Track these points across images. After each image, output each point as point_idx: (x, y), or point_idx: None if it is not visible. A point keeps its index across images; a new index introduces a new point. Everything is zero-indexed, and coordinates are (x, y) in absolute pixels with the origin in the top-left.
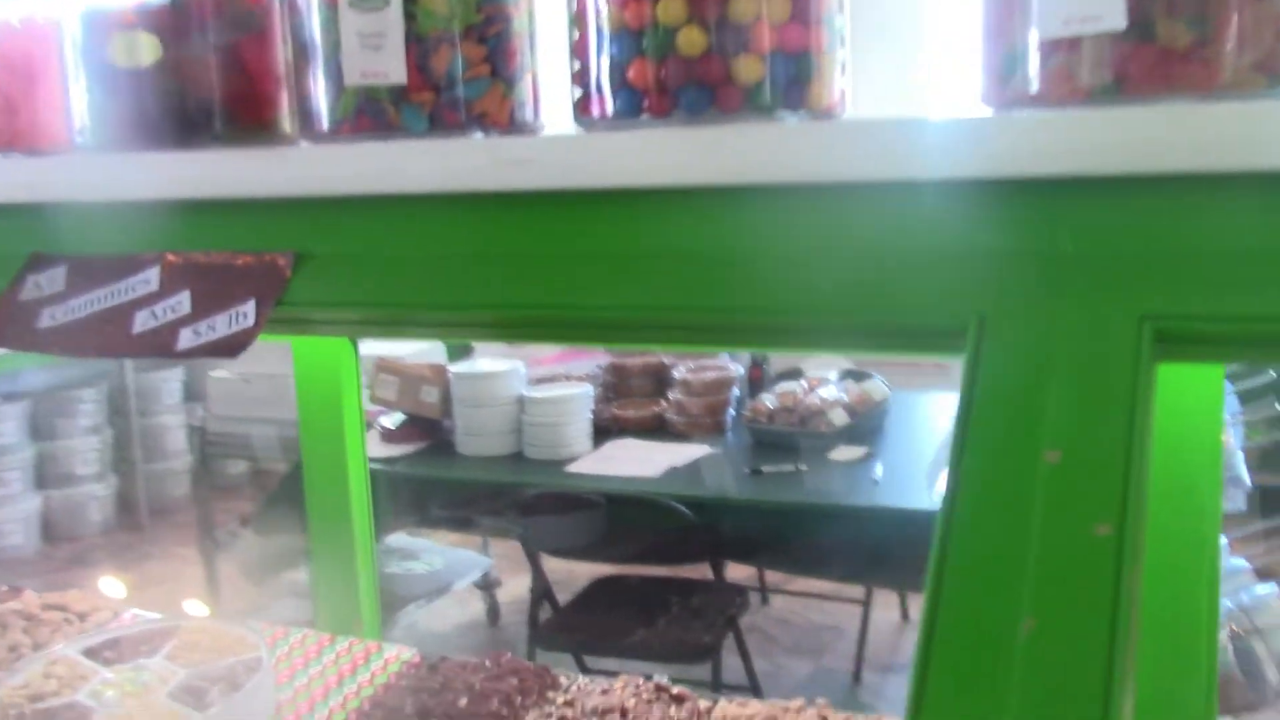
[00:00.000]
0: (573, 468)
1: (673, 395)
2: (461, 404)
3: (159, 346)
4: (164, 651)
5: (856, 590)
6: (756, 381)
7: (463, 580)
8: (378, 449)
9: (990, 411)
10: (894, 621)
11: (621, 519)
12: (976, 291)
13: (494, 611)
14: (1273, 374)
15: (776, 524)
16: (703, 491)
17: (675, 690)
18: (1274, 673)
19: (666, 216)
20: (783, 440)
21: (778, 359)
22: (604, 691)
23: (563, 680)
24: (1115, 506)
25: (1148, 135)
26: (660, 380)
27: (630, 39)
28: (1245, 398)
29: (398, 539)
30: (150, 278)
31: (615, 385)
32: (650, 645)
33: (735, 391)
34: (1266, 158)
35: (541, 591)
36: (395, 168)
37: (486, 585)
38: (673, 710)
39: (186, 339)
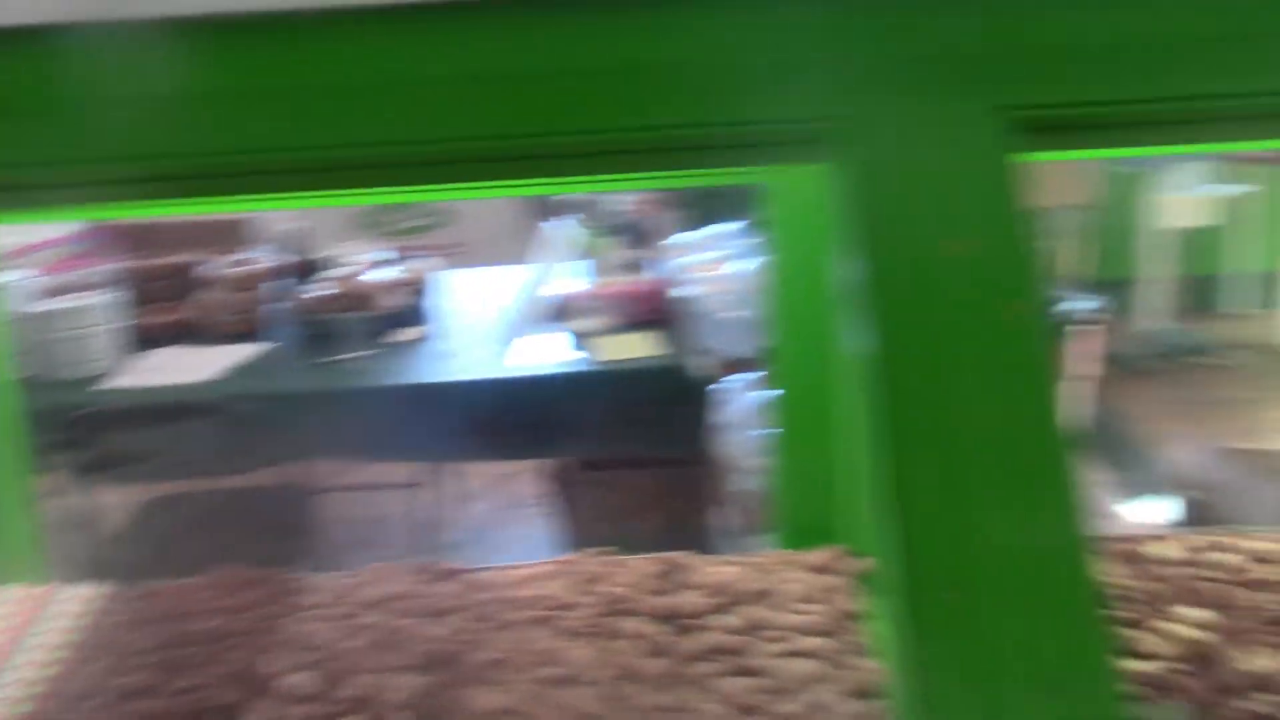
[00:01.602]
0: (109, 384)
1: (207, 294)
2: None
3: None
4: None
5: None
6: (301, 271)
7: None
8: None
9: (880, 208)
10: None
11: (177, 431)
12: (836, 97)
13: None
14: None
15: (349, 412)
16: (269, 389)
17: (443, 566)
18: None
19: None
20: (340, 328)
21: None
22: (367, 581)
23: (297, 580)
24: (1023, 281)
25: None
26: (186, 281)
27: None
28: None
29: None
30: None
31: (139, 290)
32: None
33: (278, 284)
34: None
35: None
36: None
37: None
38: (446, 586)
39: None
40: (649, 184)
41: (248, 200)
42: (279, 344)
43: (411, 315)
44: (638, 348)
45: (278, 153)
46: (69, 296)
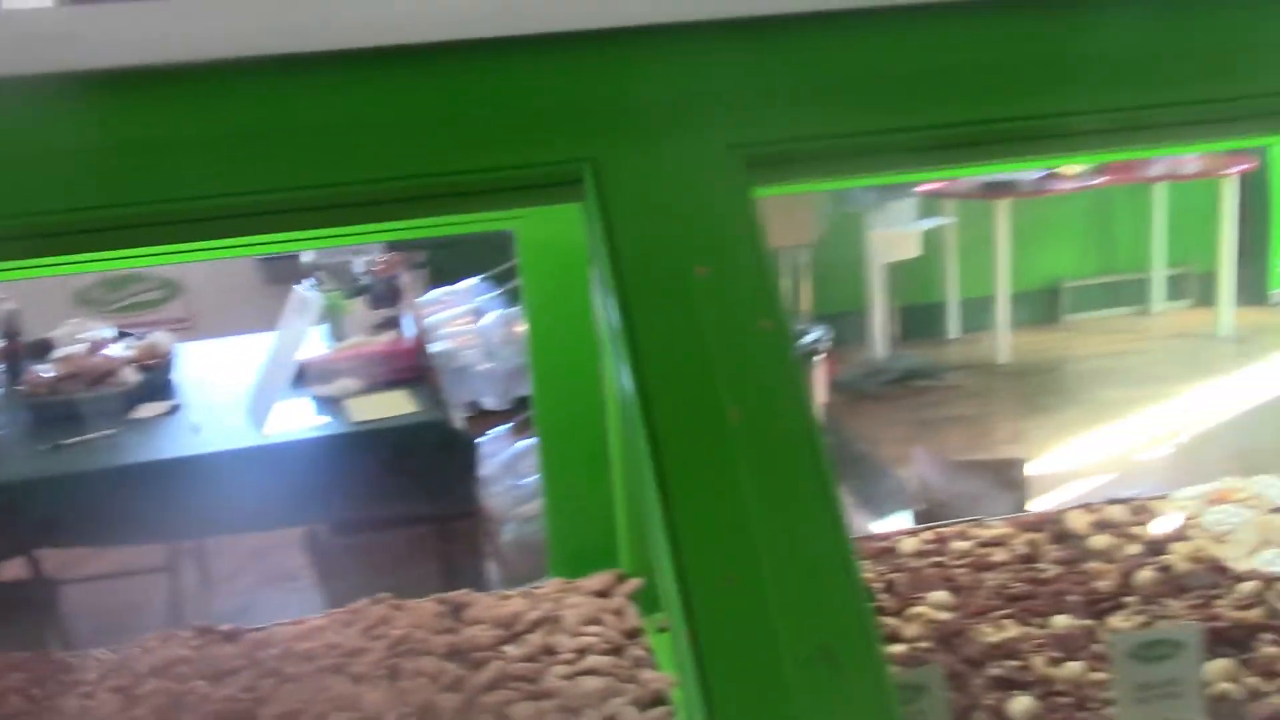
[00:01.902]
0: None
1: None
2: None
3: None
4: None
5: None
6: (20, 352)
7: None
8: None
9: (631, 243)
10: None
11: None
12: (585, 140)
13: None
14: None
15: (96, 495)
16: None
17: (224, 628)
18: None
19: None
20: (75, 408)
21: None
22: (144, 651)
23: (70, 658)
24: (768, 304)
25: None
26: None
27: None
28: None
29: None
30: None
31: None
32: None
33: None
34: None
35: None
36: None
37: None
38: (229, 648)
39: None
40: (412, 234)
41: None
42: (4, 430)
43: (154, 389)
44: (393, 406)
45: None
46: None
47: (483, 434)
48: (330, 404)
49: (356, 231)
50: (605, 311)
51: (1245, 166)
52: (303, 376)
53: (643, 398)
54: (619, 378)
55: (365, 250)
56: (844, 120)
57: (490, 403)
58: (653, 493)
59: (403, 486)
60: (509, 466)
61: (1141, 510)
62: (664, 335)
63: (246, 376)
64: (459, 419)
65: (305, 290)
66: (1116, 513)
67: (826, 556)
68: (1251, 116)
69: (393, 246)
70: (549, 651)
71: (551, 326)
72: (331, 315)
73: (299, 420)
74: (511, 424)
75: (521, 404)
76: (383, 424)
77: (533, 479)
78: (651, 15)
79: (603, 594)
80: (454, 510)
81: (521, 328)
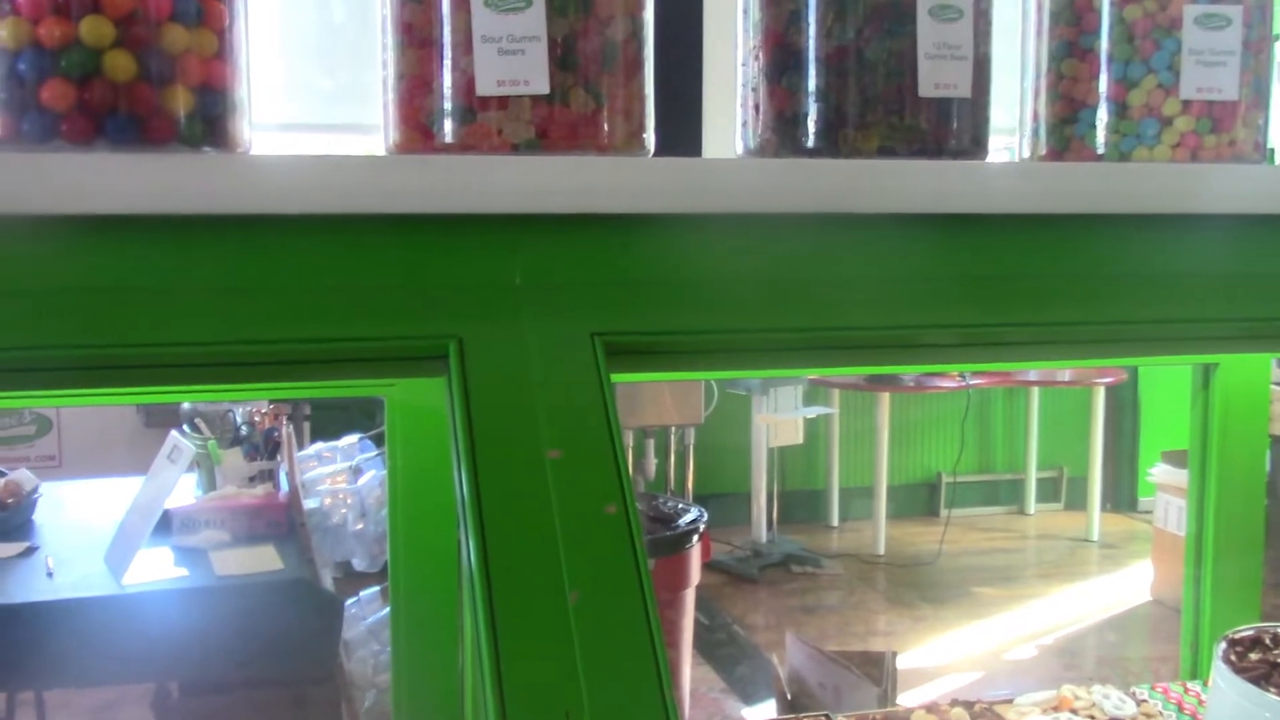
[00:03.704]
0: None
1: None
2: None
3: None
4: None
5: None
6: None
7: None
8: None
9: (489, 421)
10: None
11: None
12: (451, 318)
13: None
14: None
15: None
16: None
17: None
18: None
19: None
20: None
21: None
22: None
23: None
24: (616, 489)
25: (589, 182)
26: None
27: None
28: None
29: None
30: None
31: None
32: None
33: None
34: (683, 204)
35: None
36: None
37: None
38: None
39: None
40: (285, 393)
41: None
42: None
43: (12, 529)
44: (260, 562)
45: None
46: None
47: (351, 596)
48: (194, 555)
49: (232, 389)
50: (458, 485)
51: (1112, 379)
52: (169, 525)
53: (484, 573)
54: (465, 551)
55: (247, 401)
56: (705, 316)
57: (360, 564)
58: (487, 669)
59: (264, 646)
60: (374, 632)
61: (985, 714)
62: (512, 513)
63: (111, 521)
64: (327, 579)
65: (179, 437)
66: (958, 715)
67: None
68: (1112, 340)
69: (274, 401)
70: None
71: (413, 492)
72: (205, 464)
73: (160, 570)
74: (380, 588)
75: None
76: (247, 579)
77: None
78: (527, 205)
79: None
80: (314, 674)
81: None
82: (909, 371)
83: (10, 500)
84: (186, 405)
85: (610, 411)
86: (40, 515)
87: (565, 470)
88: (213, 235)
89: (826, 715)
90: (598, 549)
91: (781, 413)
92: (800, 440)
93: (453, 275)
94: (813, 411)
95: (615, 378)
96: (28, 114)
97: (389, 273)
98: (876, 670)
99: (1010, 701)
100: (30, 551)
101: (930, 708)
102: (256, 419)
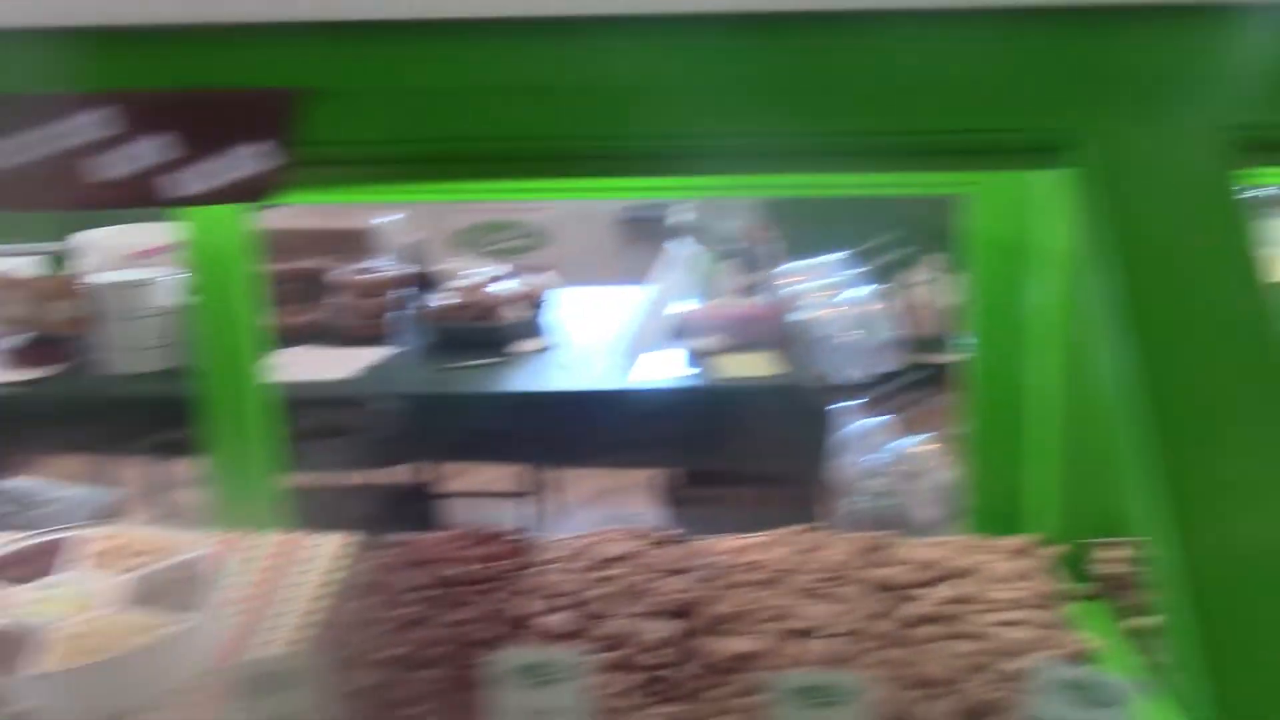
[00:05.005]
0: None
1: (334, 299)
2: (109, 317)
3: (146, 195)
4: (85, 562)
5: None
6: (421, 281)
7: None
8: (6, 373)
9: (1126, 218)
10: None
11: (314, 425)
12: (1066, 110)
13: None
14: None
15: (476, 417)
16: (398, 390)
17: (666, 532)
18: (928, 510)
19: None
20: (465, 336)
21: (435, 261)
22: (596, 541)
23: (526, 542)
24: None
25: None
26: (311, 284)
27: None
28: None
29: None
30: (92, 119)
31: (272, 292)
32: None
33: (403, 292)
34: None
35: None
36: None
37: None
38: (673, 550)
39: (182, 185)
40: (853, 191)
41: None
42: (405, 349)
43: (531, 328)
44: (757, 367)
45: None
46: None
47: (837, 404)
48: (695, 358)
49: (807, 184)
50: (1100, 282)
51: None
52: (676, 329)
53: (1146, 377)
54: (1110, 352)
55: (733, 215)
56: None
57: (846, 376)
58: (1153, 486)
59: (758, 446)
60: (858, 441)
61: None
62: (1161, 319)
63: (611, 324)
64: (817, 387)
65: (683, 247)
66: None
67: None
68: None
69: (757, 215)
70: (972, 600)
71: (990, 288)
72: (702, 274)
73: (665, 369)
74: (864, 399)
75: (878, 380)
76: (746, 383)
77: (881, 455)
78: None
79: (1019, 554)
80: (803, 477)
81: (880, 306)
82: None
83: (530, 302)
84: (678, 218)
85: (1240, 209)
86: (552, 317)
87: (1209, 267)
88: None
89: None
90: (1255, 346)
91: None
92: None
93: (1068, 65)
94: None
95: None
96: None
97: (1008, 65)
98: None
99: None
100: (548, 348)
101: None
102: (744, 233)
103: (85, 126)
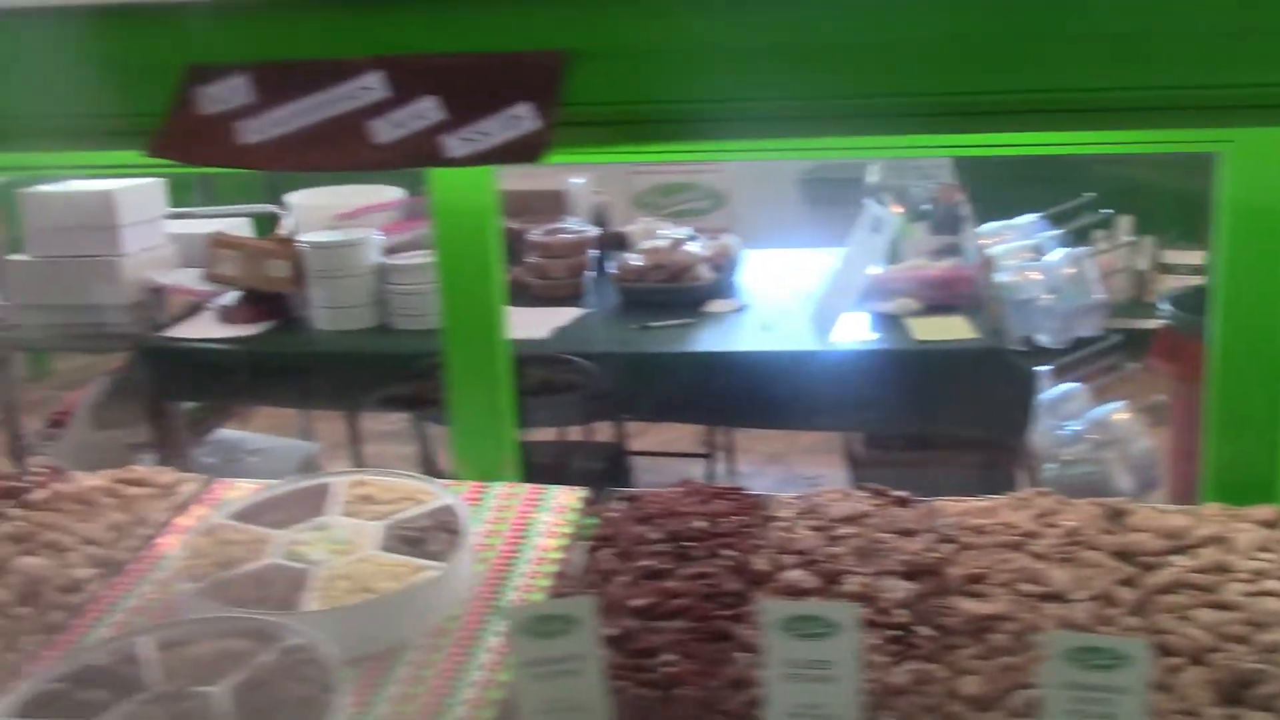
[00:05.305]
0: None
1: (529, 259)
2: (320, 276)
3: (422, 155)
4: (335, 509)
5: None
6: (609, 242)
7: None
8: (218, 329)
9: None
10: None
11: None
12: None
13: None
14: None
15: (670, 376)
16: (593, 349)
17: (896, 494)
18: (1126, 479)
19: None
20: (656, 297)
21: (619, 222)
22: (829, 501)
23: (762, 499)
24: None
25: None
26: (511, 245)
27: None
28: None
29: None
30: (370, 83)
31: None
32: None
33: (593, 252)
34: None
35: None
36: None
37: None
38: (905, 512)
39: (456, 146)
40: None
41: None
42: (597, 309)
43: (723, 288)
44: (954, 330)
45: None
46: (405, 255)
47: (1038, 369)
48: (890, 320)
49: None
50: None
51: None
52: (870, 291)
53: None
54: None
55: (926, 176)
56: None
57: (1045, 340)
58: None
59: (955, 410)
60: (1054, 407)
61: None
62: None
63: (802, 285)
64: (1017, 351)
65: (879, 208)
66: None
67: None
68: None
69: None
70: (1222, 569)
71: (1241, 253)
72: (895, 236)
73: (861, 332)
74: (1058, 364)
75: (1076, 345)
76: (943, 346)
77: (1076, 423)
78: None
79: (1271, 524)
80: (1001, 441)
81: (1079, 269)
82: None
83: (721, 262)
84: (870, 179)
85: None
86: (743, 277)
87: None
88: None
89: None
90: None
91: None
92: None
93: None
94: None
95: None
96: None
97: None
98: None
99: None
100: (741, 309)
101: None
102: (937, 194)
103: (364, 90)
